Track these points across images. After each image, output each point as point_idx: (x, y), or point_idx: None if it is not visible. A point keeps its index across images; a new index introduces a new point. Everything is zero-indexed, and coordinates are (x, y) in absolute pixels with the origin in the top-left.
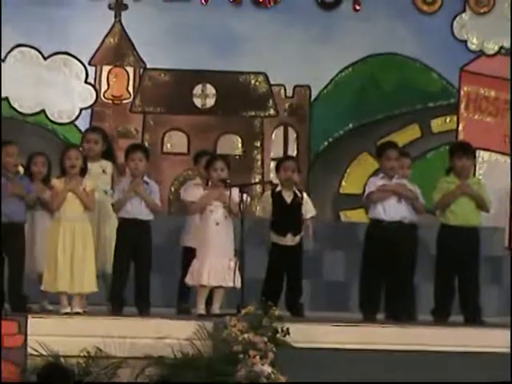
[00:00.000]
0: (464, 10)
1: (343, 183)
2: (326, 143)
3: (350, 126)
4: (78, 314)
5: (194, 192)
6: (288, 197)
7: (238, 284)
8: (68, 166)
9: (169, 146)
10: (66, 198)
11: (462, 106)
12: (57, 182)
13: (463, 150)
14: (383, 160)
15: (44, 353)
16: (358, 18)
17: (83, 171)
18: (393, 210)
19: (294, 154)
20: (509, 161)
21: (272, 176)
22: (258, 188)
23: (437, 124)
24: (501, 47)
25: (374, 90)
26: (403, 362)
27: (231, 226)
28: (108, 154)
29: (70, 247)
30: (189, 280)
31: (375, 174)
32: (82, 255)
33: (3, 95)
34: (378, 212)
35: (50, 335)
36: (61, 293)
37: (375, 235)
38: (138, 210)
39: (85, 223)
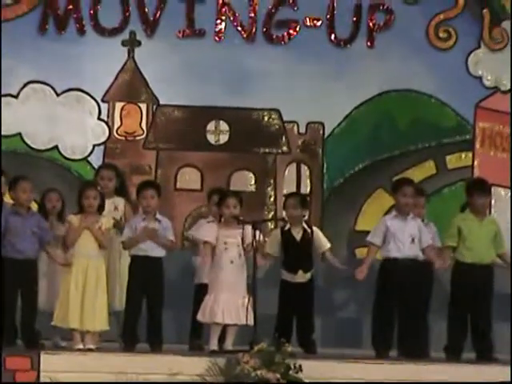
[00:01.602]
0: (479, 47)
1: (359, 220)
2: (340, 180)
3: (365, 162)
4: (90, 350)
5: (207, 231)
6: (297, 233)
7: (251, 321)
8: (86, 205)
9: (182, 182)
10: (81, 235)
11: (478, 142)
12: (73, 219)
13: (482, 187)
14: (398, 196)
15: None
16: (372, 55)
17: (100, 208)
18: (407, 248)
19: (308, 190)
20: None
21: (285, 213)
22: (270, 224)
23: (452, 160)
24: (511, 85)
25: (388, 127)
26: None
27: (245, 264)
28: (121, 191)
29: (82, 284)
30: (201, 317)
31: (390, 210)
32: (94, 293)
33: (16, 131)
34: (391, 250)
35: (62, 371)
36: (73, 329)
37: (389, 272)
38: (150, 246)
39: (99, 261)
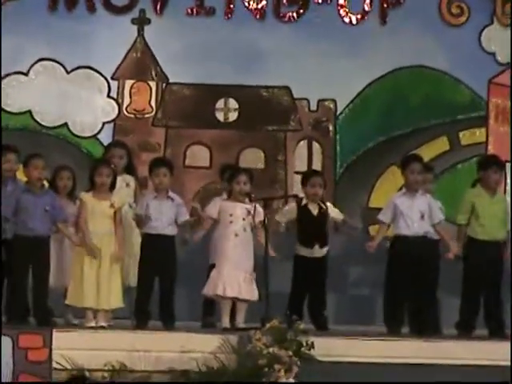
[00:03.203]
0: (492, 23)
1: (372, 197)
2: (353, 157)
3: (378, 139)
4: (102, 327)
5: (211, 206)
6: (314, 209)
7: (255, 297)
8: (99, 183)
9: (191, 159)
10: (94, 213)
11: (491, 118)
12: (85, 196)
13: (495, 163)
14: (407, 173)
15: (69, 367)
16: (384, 32)
17: (111, 186)
18: (416, 226)
19: (319, 167)
20: None
21: (295, 190)
22: (279, 203)
23: (465, 136)
24: (511, 60)
25: (401, 104)
26: (428, 376)
27: (251, 240)
28: (129, 168)
29: (97, 263)
30: (206, 290)
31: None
32: (108, 271)
33: (26, 108)
34: (402, 227)
35: (74, 349)
36: (86, 308)
37: (399, 250)
38: (162, 225)
39: (112, 238)
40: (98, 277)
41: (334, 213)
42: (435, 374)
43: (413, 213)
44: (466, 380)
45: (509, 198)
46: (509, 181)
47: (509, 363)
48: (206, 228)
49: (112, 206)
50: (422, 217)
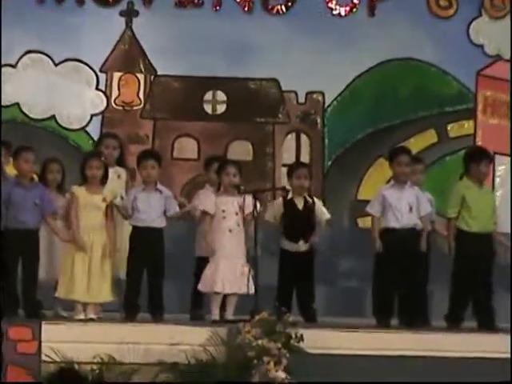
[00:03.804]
0: (480, 15)
1: (360, 189)
2: (341, 149)
3: (366, 131)
4: (91, 320)
5: (204, 199)
6: (299, 203)
7: (252, 290)
8: (90, 176)
9: (179, 151)
10: (87, 207)
11: (479, 110)
12: (77, 190)
13: (482, 156)
14: (394, 165)
15: (58, 359)
16: (373, 24)
17: (103, 179)
18: (405, 218)
19: (307, 160)
20: None
21: (283, 182)
22: (268, 195)
23: (454, 129)
24: (511, 53)
25: (389, 96)
26: (417, 368)
27: (243, 233)
28: (120, 160)
29: (89, 257)
30: (202, 287)
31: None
32: (99, 265)
33: (14, 101)
34: (390, 220)
35: (63, 341)
36: (76, 301)
37: (388, 242)
38: (150, 217)
39: (103, 232)
40: (90, 271)
41: (320, 210)
42: (424, 366)
43: (401, 205)
44: (455, 372)
45: (509, 191)
46: (509, 175)
47: (498, 355)
48: (209, 224)
49: (104, 200)
50: (411, 209)
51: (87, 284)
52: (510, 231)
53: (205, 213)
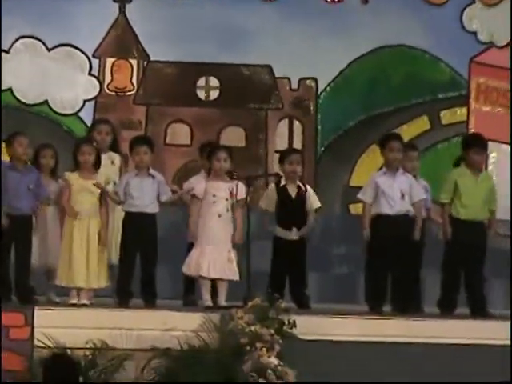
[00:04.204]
0: (473, 2)
1: (352, 176)
2: (334, 136)
3: (359, 118)
4: (84, 306)
5: (193, 184)
6: (292, 191)
7: (237, 277)
8: (82, 161)
9: (172, 137)
10: (81, 192)
11: (472, 97)
12: (70, 176)
13: (479, 143)
14: (386, 152)
15: (50, 345)
16: (367, 11)
17: (96, 164)
18: (398, 204)
19: (300, 146)
20: None
21: (276, 168)
22: (260, 181)
23: (446, 116)
24: (511, 38)
25: (383, 83)
26: (409, 354)
27: (232, 219)
28: (113, 146)
29: (86, 243)
30: (186, 270)
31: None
32: (96, 250)
33: (6, 86)
34: (383, 206)
35: (56, 327)
36: (78, 288)
37: (380, 229)
38: (143, 203)
39: (98, 217)
40: (88, 257)
41: (312, 198)
42: (417, 352)
43: (394, 192)
44: (447, 358)
45: (501, 178)
46: (508, 163)
47: (490, 342)
48: (196, 209)
49: (97, 184)
50: (403, 196)
51: (86, 270)
52: (503, 218)
53: (194, 197)
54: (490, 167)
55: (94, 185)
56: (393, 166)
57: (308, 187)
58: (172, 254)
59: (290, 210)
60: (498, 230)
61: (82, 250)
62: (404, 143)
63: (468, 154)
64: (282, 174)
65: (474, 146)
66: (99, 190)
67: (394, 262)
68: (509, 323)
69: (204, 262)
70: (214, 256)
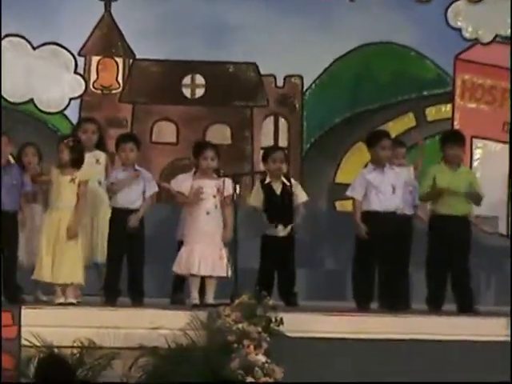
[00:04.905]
0: None
1: (338, 173)
2: (320, 133)
3: (345, 115)
4: (71, 304)
5: (180, 181)
6: (277, 187)
7: (228, 273)
8: (60, 158)
9: (157, 135)
10: (57, 187)
11: (457, 94)
12: (53, 172)
13: (455, 139)
14: (378, 150)
15: (38, 343)
16: (353, 7)
17: (76, 162)
18: (388, 201)
19: (285, 144)
20: (506, 149)
21: (262, 166)
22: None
23: (432, 112)
24: (496, 35)
25: (368, 79)
26: (397, 351)
27: (221, 216)
28: (100, 144)
29: (54, 237)
30: (177, 268)
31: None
32: (65, 245)
33: None
34: (372, 203)
35: (43, 326)
36: (53, 283)
37: (370, 225)
38: (130, 199)
39: (70, 213)
40: (54, 250)
41: (298, 192)
42: (405, 349)
43: (385, 187)
44: (435, 355)
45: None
46: (479, 156)
47: (478, 338)
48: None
49: (73, 180)
50: (394, 190)
51: (51, 264)
52: (489, 215)
53: (180, 194)
54: (474, 164)
55: (71, 181)
56: (382, 163)
57: (293, 181)
58: (160, 252)
59: (276, 207)
60: (483, 227)
61: (49, 245)
62: (392, 140)
63: (445, 149)
64: (266, 171)
65: (450, 141)
66: (73, 185)
67: (382, 259)
68: (501, 320)
69: (194, 259)
70: (205, 253)
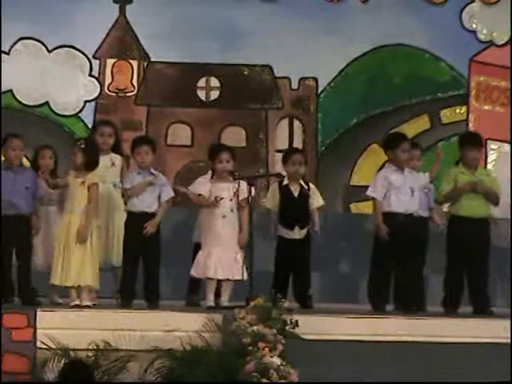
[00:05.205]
0: (473, 0)
1: (353, 175)
2: (335, 135)
3: (359, 117)
4: (87, 307)
5: (199, 184)
6: (295, 190)
7: (244, 277)
8: (74, 161)
9: (172, 138)
10: (70, 190)
11: (472, 96)
12: (70, 174)
13: (473, 141)
14: (398, 152)
15: (53, 346)
16: (366, 10)
17: (92, 165)
18: (408, 202)
19: (300, 146)
20: None
21: (277, 168)
22: (262, 181)
23: (446, 115)
24: (511, 37)
25: (383, 82)
26: (412, 353)
27: (237, 220)
28: (116, 147)
29: (65, 240)
30: (194, 272)
31: (384, 165)
32: (75, 248)
33: (7, 87)
34: (393, 204)
35: (59, 328)
36: (68, 286)
37: (390, 227)
38: (145, 203)
39: (81, 216)
40: (65, 254)
41: (315, 196)
42: (420, 351)
43: (405, 189)
44: (450, 357)
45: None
46: (509, 160)
47: (493, 340)
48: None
49: (83, 183)
50: (413, 193)
51: (61, 267)
52: (503, 217)
53: (201, 197)
54: (489, 166)
55: (82, 183)
56: (403, 165)
57: (311, 185)
58: (175, 254)
59: (293, 209)
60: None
61: (60, 248)
62: None
63: (464, 151)
64: (285, 173)
65: (468, 143)
66: (84, 188)
67: (400, 261)
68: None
69: (211, 263)
70: (221, 257)
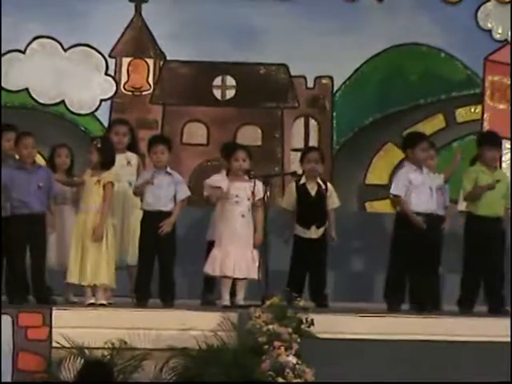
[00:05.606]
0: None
1: (368, 174)
2: (350, 134)
3: (375, 116)
4: (102, 305)
5: (219, 180)
6: (312, 189)
7: (258, 276)
8: (90, 160)
9: (188, 137)
10: (85, 189)
11: (487, 95)
12: (86, 173)
13: (492, 140)
14: (418, 152)
15: (68, 345)
16: (381, 9)
17: (108, 163)
18: (427, 203)
19: (315, 144)
20: None
21: (292, 167)
22: (278, 179)
23: (461, 114)
24: (511, 37)
25: (398, 81)
26: (428, 352)
27: (252, 219)
28: (132, 146)
29: (82, 238)
30: (209, 270)
31: (400, 164)
32: (92, 247)
33: (23, 86)
34: (413, 203)
35: (74, 327)
36: (83, 285)
37: (407, 227)
38: (161, 202)
39: (97, 215)
40: (82, 252)
41: (332, 197)
42: (435, 350)
43: (425, 189)
44: (465, 356)
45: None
46: (508, 157)
47: (508, 339)
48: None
49: (98, 182)
50: (431, 193)
51: (79, 266)
52: None
53: (219, 189)
54: (503, 165)
55: (97, 182)
56: (421, 165)
57: (329, 185)
58: (191, 253)
59: (310, 209)
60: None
61: (77, 247)
62: None
63: (482, 151)
64: (302, 172)
65: (487, 143)
66: (100, 187)
67: (418, 260)
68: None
69: (230, 262)
70: (239, 256)
